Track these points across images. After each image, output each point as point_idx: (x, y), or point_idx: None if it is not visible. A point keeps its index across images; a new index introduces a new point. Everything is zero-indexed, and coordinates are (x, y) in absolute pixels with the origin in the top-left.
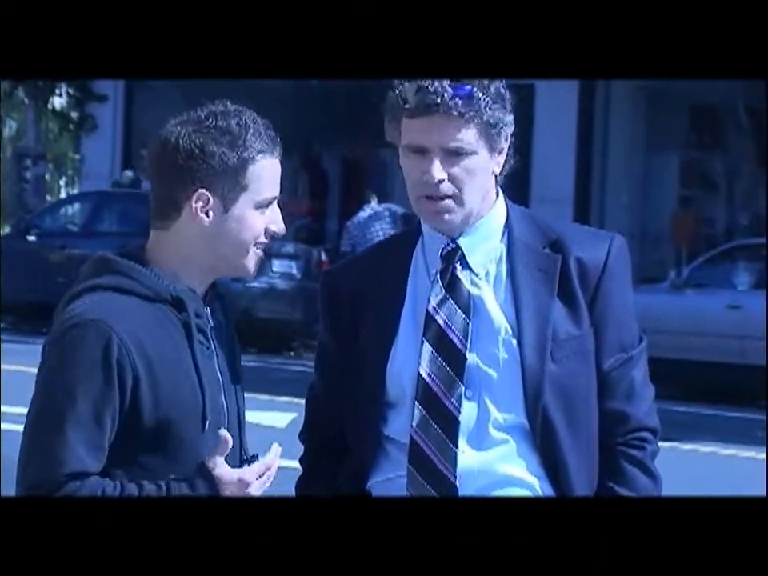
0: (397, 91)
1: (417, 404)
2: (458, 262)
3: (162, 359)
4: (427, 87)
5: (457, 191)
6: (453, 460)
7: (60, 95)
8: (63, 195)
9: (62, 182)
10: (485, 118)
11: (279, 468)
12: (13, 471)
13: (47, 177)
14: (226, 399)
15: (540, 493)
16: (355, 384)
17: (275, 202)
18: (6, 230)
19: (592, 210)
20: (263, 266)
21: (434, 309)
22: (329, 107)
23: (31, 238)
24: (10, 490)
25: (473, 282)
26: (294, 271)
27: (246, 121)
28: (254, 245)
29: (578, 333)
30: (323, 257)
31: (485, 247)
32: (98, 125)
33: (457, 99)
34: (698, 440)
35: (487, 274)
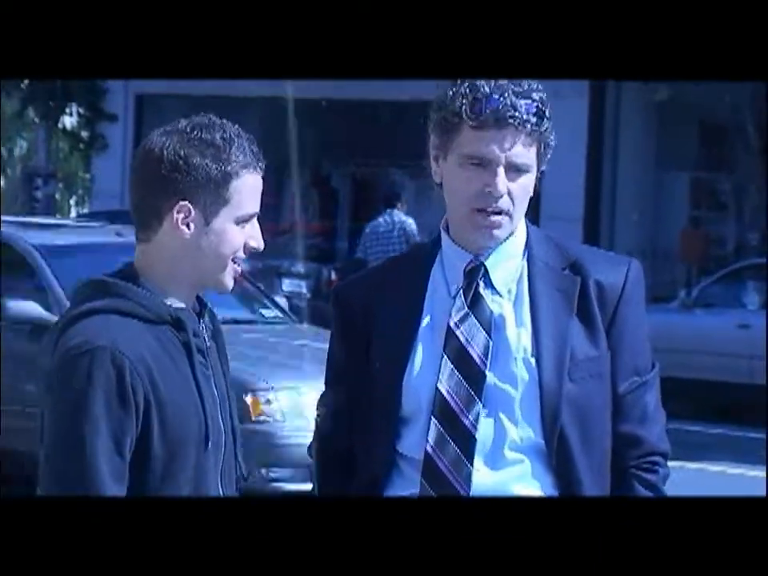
0: (460, 103)
1: (434, 419)
2: (482, 280)
3: (167, 381)
4: (501, 99)
5: (512, 207)
6: (467, 478)
7: (70, 114)
8: (73, 214)
9: (72, 201)
10: (545, 137)
11: None
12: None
13: (57, 196)
14: (222, 418)
15: None
16: (368, 398)
17: (255, 218)
18: None
19: (602, 229)
20: (273, 285)
21: (456, 325)
22: (338, 126)
23: None
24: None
25: (494, 301)
26: (304, 290)
27: (230, 134)
28: (232, 260)
29: (595, 354)
30: (333, 276)
31: (507, 266)
32: (108, 144)
33: (531, 115)
34: (707, 459)
35: (509, 292)
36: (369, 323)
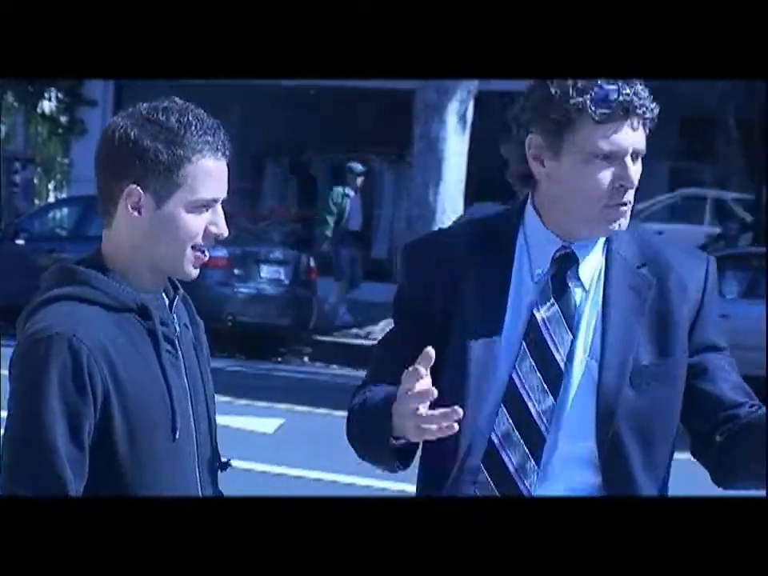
0: (581, 98)
1: (503, 409)
2: (571, 269)
3: (129, 369)
4: (625, 89)
5: (632, 198)
6: (532, 478)
7: (49, 99)
8: (52, 199)
9: (50, 186)
10: (651, 121)
11: (271, 474)
12: None
13: (36, 181)
14: (194, 407)
15: None
16: (454, 371)
17: (218, 205)
18: None
19: None
20: (252, 272)
21: (540, 314)
22: (320, 114)
23: (20, 241)
24: None
25: (579, 294)
26: (282, 277)
27: (188, 119)
28: (192, 247)
29: (664, 359)
30: (311, 263)
31: (593, 259)
32: (87, 129)
33: (647, 101)
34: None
35: (590, 286)
36: (451, 287)
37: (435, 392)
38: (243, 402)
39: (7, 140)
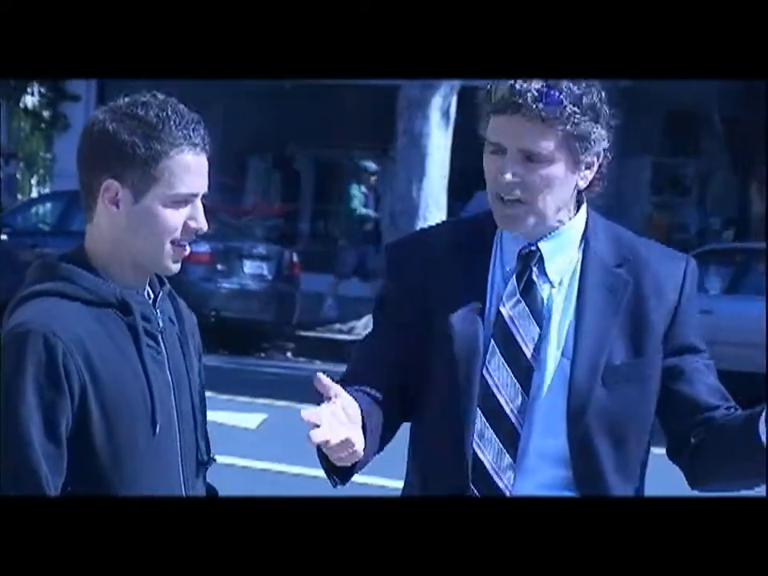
0: (488, 87)
1: (479, 413)
2: (536, 266)
3: (107, 364)
4: (514, 86)
5: (530, 197)
6: (510, 476)
7: (32, 94)
8: (35, 194)
9: (33, 181)
10: (569, 127)
11: (254, 470)
12: None
13: (18, 176)
14: (177, 402)
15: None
16: (430, 369)
17: (197, 199)
18: None
19: None
20: (235, 267)
21: (507, 310)
22: (303, 108)
23: (2, 237)
24: None
25: (546, 290)
26: (266, 272)
27: (167, 113)
28: (172, 242)
29: (637, 359)
30: (295, 258)
31: (562, 256)
32: (70, 124)
33: (541, 103)
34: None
35: (560, 283)
36: (434, 284)
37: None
38: (226, 397)
39: None
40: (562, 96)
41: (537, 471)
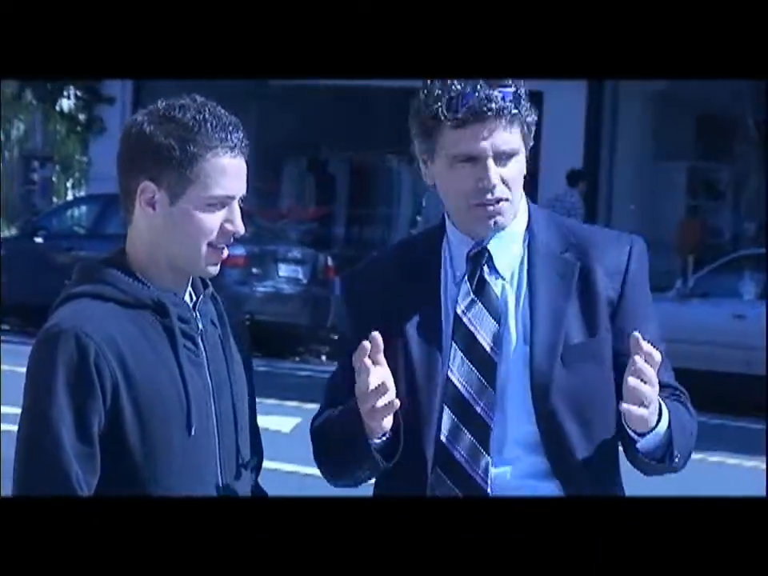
0: (436, 105)
1: (446, 409)
2: (485, 265)
3: (141, 365)
4: (476, 95)
5: (508, 193)
6: (485, 469)
7: (68, 97)
8: (70, 197)
9: (69, 184)
10: (526, 117)
11: (281, 472)
12: (11, 471)
13: (54, 179)
14: (216, 405)
15: (556, 493)
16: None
17: (234, 202)
18: (13, 231)
19: (599, 219)
20: (269, 270)
21: (463, 312)
22: (337, 112)
23: (38, 239)
24: (8, 490)
25: (499, 286)
26: (300, 276)
27: (204, 116)
28: (209, 245)
29: (592, 338)
30: (329, 262)
31: (510, 250)
32: (105, 127)
33: (507, 102)
34: (703, 449)
35: (511, 277)
36: (390, 307)
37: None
38: (260, 400)
39: (26, 138)
40: (520, 91)
41: (516, 460)
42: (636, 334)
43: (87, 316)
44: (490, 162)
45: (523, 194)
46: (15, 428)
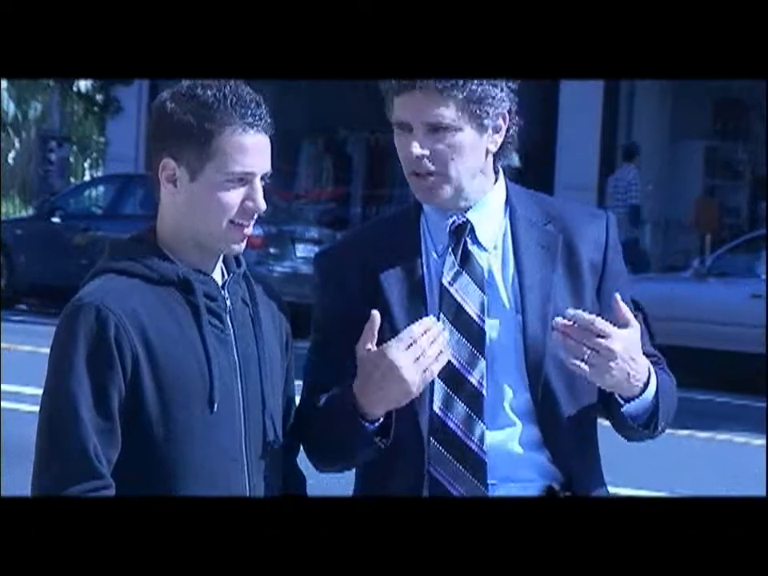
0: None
1: (438, 380)
2: (469, 236)
3: (164, 339)
4: None
5: (441, 167)
6: (481, 437)
7: (85, 77)
8: (87, 178)
9: (86, 165)
10: (465, 93)
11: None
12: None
13: (71, 159)
14: (243, 383)
15: (546, 464)
16: None
17: (255, 179)
18: (31, 211)
19: None
20: (287, 251)
21: (449, 283)
22: (353, 92)
23: (55, 220)
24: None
25: (483, 257)
26: None
27: (224, 93)
28: (231, 222)
29: (580, 307)
30: (343, 234)
31: (491, 223)
32: (122, 108)
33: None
34: (718, 428)
35: (495, 248)
36: (370, 284)
37: None
38: None
39: (43, 119)
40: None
41: (511, 428)
42: (617, 295)
43: (109, 290)
44: (418, 134)
45: (500, 169)
46: (24, 407)
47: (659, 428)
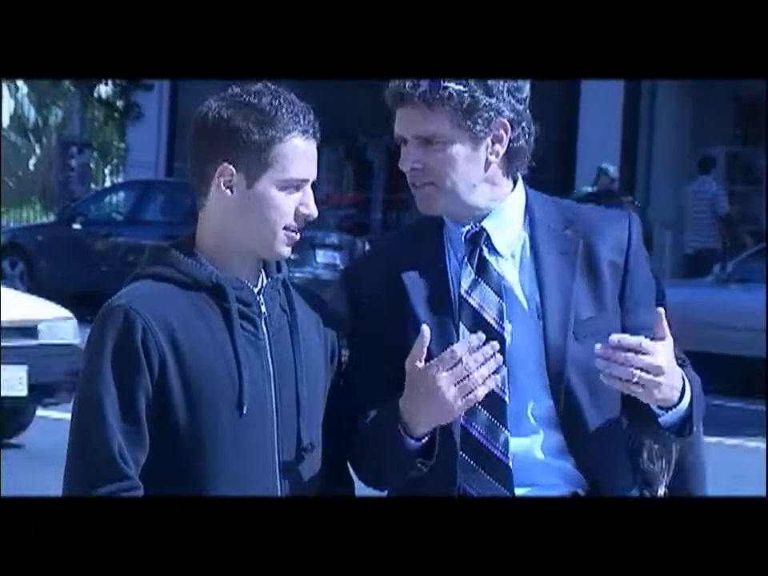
0: (387, 88)
1: None
2: (485, 244)
3: (194, 343)
4: (399, 82)
5: (435, 179)
6: (505, 444)
7: (106, 83)
8: (108, 184)
9: (106, 171)
10: (453, 105)
11: None
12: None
13: (92, 165)
14: (276, 388)
15: (571, 470)
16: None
17: (307, 186)
18: (52, 217)
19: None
20: (307, 256)
21: (467, 292)
22: (374, 98)
23: (76, 226)
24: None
25: (501, 265)
26: (338, 262)
27: (279, 101)
28: (284, 228)
29: (601, 312)
30: (367, 248)
31: (508, 230)
32: (143, 113)
33: (419, 89)
34: (742, 435)
35: (513, 256)
36: (396, 296)
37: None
38: None
39: (63, 125)
40: (439, 79)
41: (534, 435)
42: (660, 310)
43: (140, 294)
44: (411, 146)
45: (519, 176)
46: (53, 414)
47: (692, 432)
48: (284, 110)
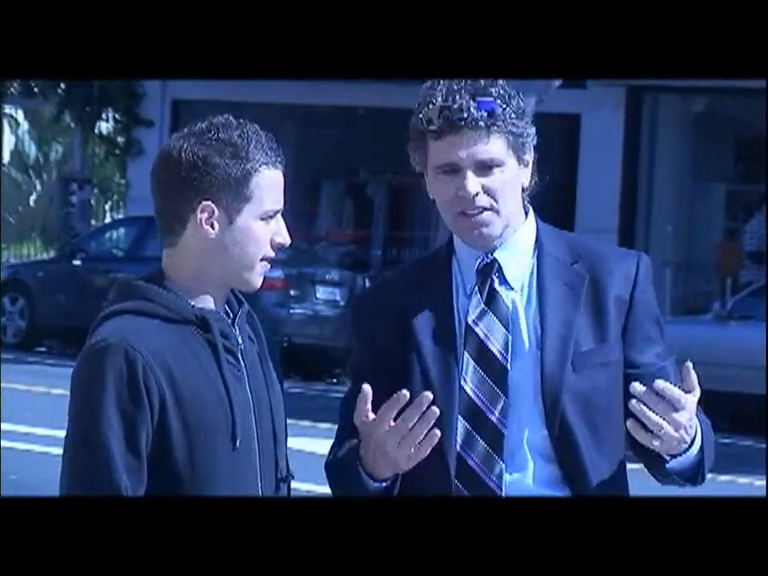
0: (420, 116)
1: (460, 418)
2: (496, 275)
3: (188, 379)
4: (451, 105)
5: (493, 203)
6: (500, 476)
7: (106, 120)
8: (108, 220)
9: (107, 207)
10: (509, 128)
11: (316, 494)
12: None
13: (93, 201)
14: (257, 420)
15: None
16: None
17: (279, 214)
18: (52, 253)
19: (637, 241)
20: (307, 293)
21: (474, 322)
22: (375, 134)
23: (76, 262)
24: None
25: (510, 296)
26: (338, 298)
27: (247, 133)
28: (261, 259)
29: (602, 345)
30: (367, 284)
31: (519, 261)
32: (144, 150)
33: (482, 112)
34: (740, 471)
35: (521, 288)
36: (401, 327)
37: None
38: (297, 422)
39: (64, 161)
40: (497, 101)
41: (530, 467)
42: (688, 364)
43: (133, 330)
44: (468, 172)
45: (530, 207)
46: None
47: (703, 480)
48: (254, 142)
